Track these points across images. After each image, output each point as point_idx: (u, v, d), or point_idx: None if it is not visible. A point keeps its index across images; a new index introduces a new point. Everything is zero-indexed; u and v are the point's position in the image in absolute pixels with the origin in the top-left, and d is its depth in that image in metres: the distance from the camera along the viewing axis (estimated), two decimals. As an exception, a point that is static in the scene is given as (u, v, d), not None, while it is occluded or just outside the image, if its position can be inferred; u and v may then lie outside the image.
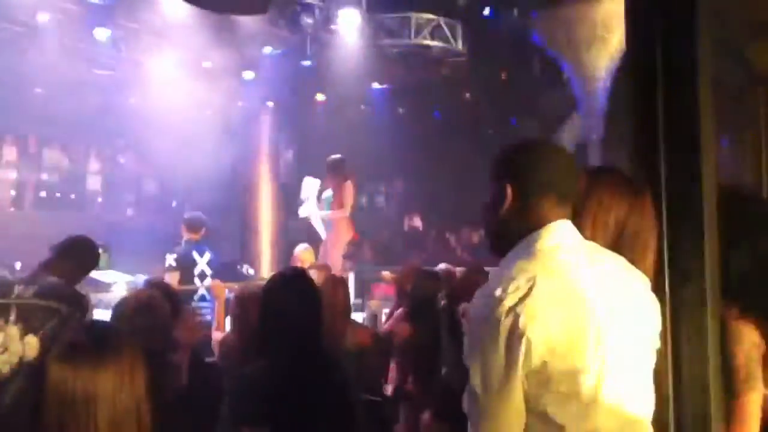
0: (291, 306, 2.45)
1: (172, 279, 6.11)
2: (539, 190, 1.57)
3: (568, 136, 11.30)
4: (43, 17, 9.25)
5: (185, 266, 6.30)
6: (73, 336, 1.76)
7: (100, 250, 6.87)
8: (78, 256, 3.37)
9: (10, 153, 12.29)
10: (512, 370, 1.39)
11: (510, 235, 1.58)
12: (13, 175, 12.87)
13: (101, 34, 9.93)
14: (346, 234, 8.08)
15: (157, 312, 2.91)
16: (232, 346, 3.64)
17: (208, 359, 3.71)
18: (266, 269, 10.89)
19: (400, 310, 4.76)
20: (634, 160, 1.87)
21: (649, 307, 1.57)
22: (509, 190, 1.58)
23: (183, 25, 9.27)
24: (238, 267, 8.34)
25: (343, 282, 4.23)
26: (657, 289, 1.63)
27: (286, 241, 10.69)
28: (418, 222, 12.52)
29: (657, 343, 1.57)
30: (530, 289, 1.41)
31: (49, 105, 10.62)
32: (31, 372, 2.80)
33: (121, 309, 2.96)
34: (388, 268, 8.29)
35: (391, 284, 5.66)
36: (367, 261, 9.90)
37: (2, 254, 6.14)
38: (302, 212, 8.16)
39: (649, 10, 1.87)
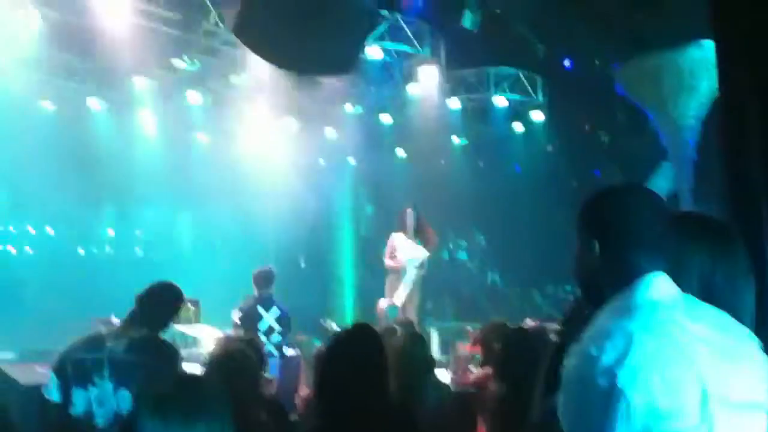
0: (348, 365, 2.36)
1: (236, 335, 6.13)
2: (627, 242, 1.50)
3: (656, 187, 10.93)
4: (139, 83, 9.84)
5: (250, 321, 6.31)
6: (163, 389, 1.76)
7: (189, 305, 7.11)
8: (161, 302, 3.39)
9: (110, 212, 12.95)
10: None
11: (602, 288, 1.51)
12: (110, 231, 13.56)
13: (192, 97, 10.47)
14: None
15: (248, 366, 2.93)
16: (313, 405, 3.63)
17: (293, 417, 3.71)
18: (350, 323, 10.92)
19: (486, 369, 4.64)
20: (730, 211, 1.78)
21: (758, 365, 1.45)
22: (596, 244, 1.52)
23: (267, 86, 9.64)
24: (321, 321, 8.37)
25: (422, 338, 4.17)
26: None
27: (367, 295, 10.70)
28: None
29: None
30: (628, 347, 1.33)
31: (142, 165, 11.20)
32: (124, 426, 2.85)
33: (212, 363, 2.99)
34: (471, 324, 8.17)
35: (476, 343, 5.52)
36: (448, 317, 9.79)
37: (99, 309, 6.39)
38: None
39: (740, 57, 1.79)
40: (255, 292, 6.52)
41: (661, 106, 9.04)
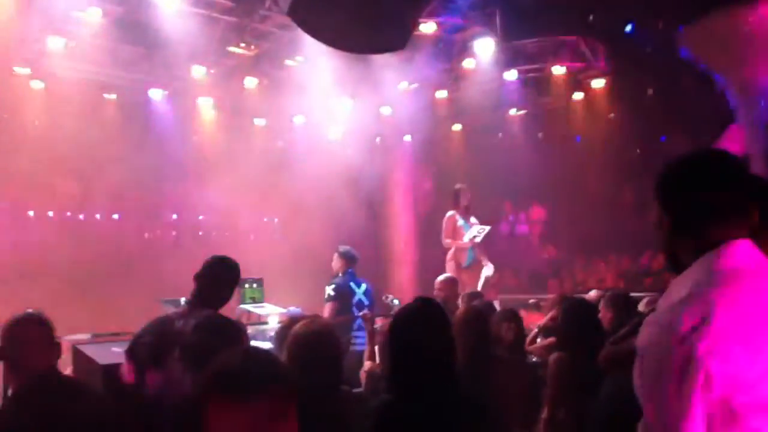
0: (417, 336, 2.34)
1: (329, 309, 6.32)
2: (705, 211, 1.45)
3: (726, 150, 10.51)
4: (198, 71, 10.01)
5: (344, 297, 6.50)
6: (230, 364, 1.67)
7: (255, 285, 7.26)
8: (219, 276, 3.41)
9: (173, 197, 13.31)
10: (691, 405, 1.26)
11: (681, 256, 1.46)
12: (174, 216, 13.95)
13: (249, 82, 10.61)
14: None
15: (333, 342, 2.95)
16: (379, 377, 3.66)
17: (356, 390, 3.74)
18: (409, 298, 10.95)
19: (551, 339, 4.60)
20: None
21: None
22: (671, 213, 1.47)
23: (324, 68, 9.67)
24: (383, 297, 8.42)
25: (479, 311, 4.13)
26: None
27: (427, 270, 10.70)
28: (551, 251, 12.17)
29: None
30: (708, 315, 1.29)
31: (203, 150, 11.43)
32: (192, 404, 2.89)
33: (293, 338, 2.96)
34: (534, 297, 8.09)
35: (542, 312, 5.47)
36: (510, 289, 9.70)
37: (167, 292, 6.57)
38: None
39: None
40: (343, 268, 6.68)
41: (729, 68, 8.67)
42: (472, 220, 8.38)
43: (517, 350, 4.35)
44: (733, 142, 9.44)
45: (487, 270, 8.22)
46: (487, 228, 8.27)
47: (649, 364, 1.34)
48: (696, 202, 1.47)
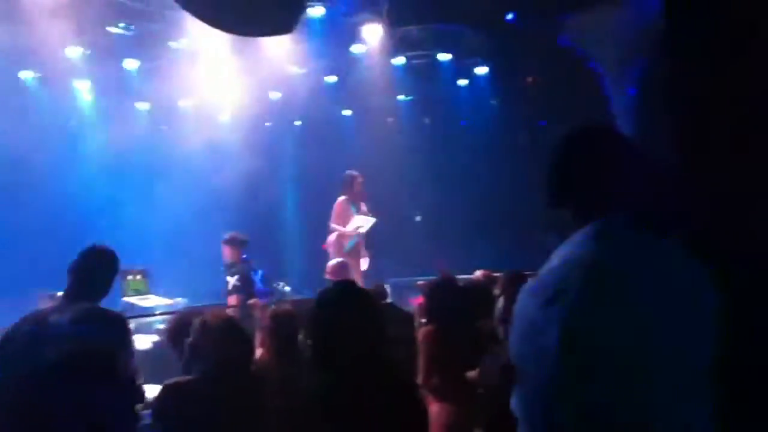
0: (351, 320, 2.37)
1: (236, 300, 6.24)
2: (594, 183, 1.53)
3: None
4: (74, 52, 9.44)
5: (248, 286, 6.44)
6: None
7: (138, 276, 7.00)
8: (94, 267, 3.27)
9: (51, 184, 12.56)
10: (563, 364, 1.35)
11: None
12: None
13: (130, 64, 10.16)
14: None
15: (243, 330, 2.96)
16: (265, 363, 3.66)
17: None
18: (299, 284, 10.89)
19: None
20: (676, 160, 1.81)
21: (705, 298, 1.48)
22: (561, 182, 1.56)
23: (211, 48, 9.41)
24: (274, 284, 8.36)
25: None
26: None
27: (315, 257, 10.71)
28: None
29: None
30: (569, 280, 1.38)
31: (82, 135, 10.85)
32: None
33: (205, 331, 2.94)
34: (422, 278, 8.28)
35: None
36: (401, 272, 9.88)
37: (43, 283, 6.21)
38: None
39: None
40: (234, 257, 6.57)
41: (604, 57, 9.17)
42: (363, 207, 8.49)
43: None
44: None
45: (364, 263, 8.41)
46: (373, 220, 8.43)
47: (522, 328, 1.41)
48: (579, 177, 1.54)
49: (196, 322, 3.05)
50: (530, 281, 1.47)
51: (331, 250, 8.32)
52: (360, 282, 7.84)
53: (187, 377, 2.97)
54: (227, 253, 6.73)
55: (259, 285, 6.65)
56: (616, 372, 1.32)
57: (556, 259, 1.47)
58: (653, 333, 1.35)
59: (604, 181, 1.53)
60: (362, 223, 8.40)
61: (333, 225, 8.37)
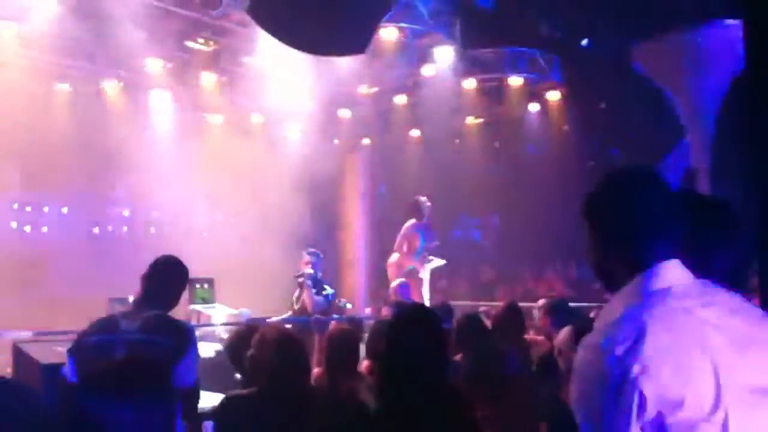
0: (419, 342, 2.38)
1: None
2: (634, 232, 1.47)
3: (674, 164, 10.83)
4: (154, 64, 9.83)
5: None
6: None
7: (205, 285, 7.18)
8: (166, 278, 3.36)
9: (124, 192, 13.07)
10: (625, 426, 1.29)
11: (614, 278, 1.49)
12: (126, 212, 13.67)
13: (206, 78, 10.48)
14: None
15: (299, 349, 2.98)
16: (320, 383, 3.67)
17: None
18: (362, 303, 10.96)
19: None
20: (749, 190, 1.74)
21: None
22: (600, 233, 1.50)
23: (283, 67, 9.61)
24: (336, 301, 8.42)
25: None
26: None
27: (380, 276, 10.73)
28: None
29: None
30: (639, 337, 1.32)
31: (156, 146, 11.24)
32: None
33: (262, 345, 2.98)
34: (484, 304, 8.19)
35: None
36: (462, 297, 9.80)
37: (118, 290, 6.43)
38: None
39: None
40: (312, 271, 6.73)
41: (680, 84, 8.94)
42: (434, 240, 8.60)
43: None
44: (682, 157, 9.73)
45: (423, 285, 8.44)
46: (443, 262, 8.54)
47: (585, 386, 1.37)
48: (626, 223, 1.48)
49: (256, 335, 3.09)
50: (590, 336, 1.41)
51: (390, 270, 8.35)
52: (437, 299, 7.86)
53: (247, 390, 3.01)
54: (309, 265, 6.90)
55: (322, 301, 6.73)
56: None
57: (612, 312, 1.43)
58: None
59: (649, 230, 1.47)
60: (432, 265, 8.54)
61: (401, 249, 8.43)
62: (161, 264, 3.36)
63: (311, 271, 6.76)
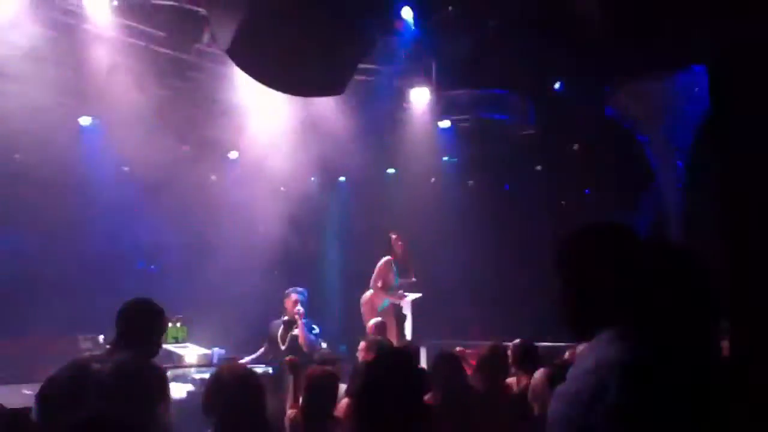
0: (400, 384, 2.41)
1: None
2: (608, 282, 1.49)
3: (645, 207, 11.02)
4: (132, 99, 9.78)
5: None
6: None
7: (178, 324, 7.09)
8: (145, 320, 3.30)
9: (98, 227, 12.87)
10: None
11: (586, 326, 1.51)
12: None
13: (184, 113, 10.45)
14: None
15: (256, 388, 2.94)
16: (294, 425, 3.63)
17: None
18: (336, 340, 10.83)
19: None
20: (725, 238, 1.78)
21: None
22: (573, 285, 1.52)
23: (258, 102, 9.68)
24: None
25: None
26: None
27: (357, 314, 10.67)
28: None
29: None
30: (610, 382, 1.33)
31: (134, 183, 11.16)
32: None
33: (217, 384, 2.96)
34: (462, 343, 8.17)
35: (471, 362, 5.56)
36: (439, 334, 9.77)
37: (87, 328, 6.33)
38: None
39: (734, 80, 1.81)
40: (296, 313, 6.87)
41: (651, 129, 9.15)
42: (411, 274, 8.66)
43: None
44: (653, 201, 9.90)
45: (407, 308, 8.46)
46: (418, 295, 8.59)
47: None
48: (602, 275, 1.51)
49: (211, 376, 3.07)
50: (561, 386, 1.43)
51: (365, 307, 8.36)
52: (395, 341, 7.81)
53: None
54: (292, 308, 6.89)
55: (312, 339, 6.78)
56: None
57: (584, 362, 1.44)
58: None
59: (620, 286, 1.50)
60: (408, 296, 8.56)
61: (376, 284, 8.45)
62: (131, 307, 3.30)
63: (302, 310, 6.77)
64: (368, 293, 8.47)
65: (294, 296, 6.93)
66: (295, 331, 6.69)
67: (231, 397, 2.89)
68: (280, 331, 6.85)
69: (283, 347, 6.72)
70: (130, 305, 3.29)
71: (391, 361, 2.52)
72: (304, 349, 6.51)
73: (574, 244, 1.59)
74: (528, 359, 4.59)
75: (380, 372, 2.47)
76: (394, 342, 7.82)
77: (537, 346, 5.08)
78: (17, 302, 10.26)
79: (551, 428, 1.41)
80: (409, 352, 2.67)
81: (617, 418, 1.31)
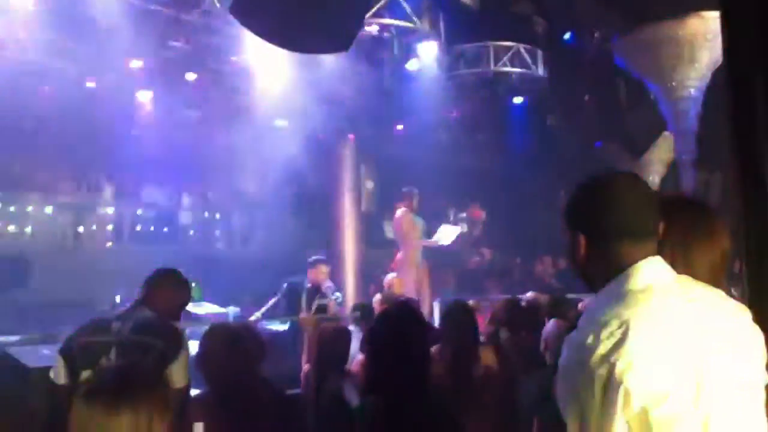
0: (402, 342, 2.43)
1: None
2: (616, 234, 1.51)
3: (657, 157, 10.93)
4: (136, 63, 9.75)
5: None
6: (99, 377, 1.76)
7: (192, 283, 7.18)
8: (170, 288, 3.37)
9: (109, 191, 12.99)
10: (612, 421, 1.33)
11: (596, 278, 1.53)
12: (110, 210, 13.60)
13: (189, 76, 10.42)
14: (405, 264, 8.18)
15: (245, 348, 2.97)
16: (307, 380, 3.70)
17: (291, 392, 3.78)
18: (351, 297, 10.95)
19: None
20: (734, 181, 1.77)
21: (753, 340, 1.48)
22: (582, 239, 1.53)
23: (266, 63, 9.60)
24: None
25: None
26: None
27: (368, 270, 10.76)
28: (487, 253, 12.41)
29: (765, 377, 1.47)
30: (624, 334, 1.35)
31: (143, 144, 11.19)
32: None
33: (207, 342, 3.02)
34: (472, 298, 8.23)
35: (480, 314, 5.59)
36: (449, 289, 9.83)
37: (104, 288, 6.42)
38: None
39: (747, 28, 1.77)
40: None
41: (661, 77, 9.02)
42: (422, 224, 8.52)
43: None
44: (665, 149, 9.82)
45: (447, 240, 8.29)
46: (459, 229, 8.37)
47: (570, 384, 1.40)
48: (607, 225, 1.52)
49: (205, 332, 3.13)
50: (575, 334, 1.45)
51: (403, 264, 8.13)
52: (429, 295, 7.81)
53: (203, 391, 3.02)
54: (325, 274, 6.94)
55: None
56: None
57: (596, 310, 1.46)
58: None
59: (629, 230, 1.51)
60: (447, 232, 8.37)
61: (406, 238, 8.23)
62: (166, 274, 3.39)
63: (331, 285, 6.86)
64: (401, 253, 8.29)
65: (323, 267, 6.96)
66: (323, 300, 6.73)
67: (218, 361, 2.95)
68: (304, 297, 6.89)
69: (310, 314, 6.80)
70: (157, 273, 3.37)
71: (395, 313, 2.55)
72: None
73: (581, 193, 1.60)
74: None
75: (384, 323, 2.50)
76: (427, 296, 7.82)
77: (550, 299, 5.08)
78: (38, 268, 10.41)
79: (562, 376, 1.44)
80: (412, 306, 2.69)
81: (626, 369, 1.34)
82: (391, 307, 2.63)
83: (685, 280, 1.52)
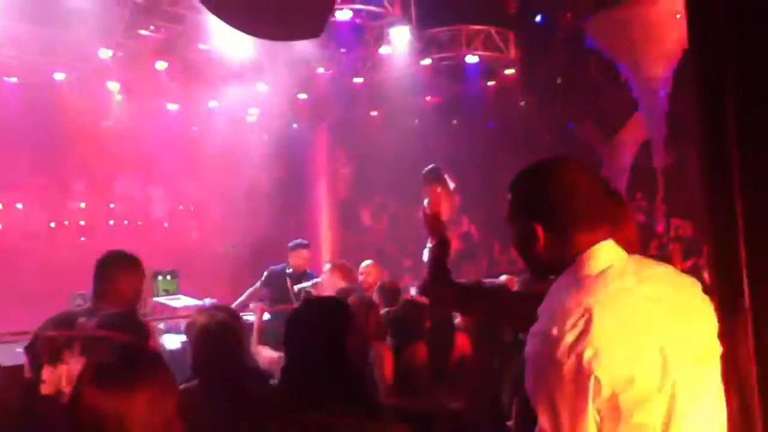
0: (307, 332, 2.31)
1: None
2: (571, 220, 1.50)
3: (629, 137, 11.03)
4: (105, 53, 9.59)
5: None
6: (105, 359, 1.76)
7: (169, 276, 7.10)
8: (120, 272, 3.27)
9: (81, 185, 12.80)
10: (583, 410, 1.33)
11: (554, 266, 1.52)
12: (83, 205, 13.39)
13: (160, 65, 10.28)
14: None
15: (231, 333, 2.95)
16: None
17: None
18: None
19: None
20: (704, 160, 1.78)
21: (706, 311, 1.50)
22: (538, 228, 1.52)
23: (238, 52, 9.50)
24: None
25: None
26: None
27: (345, 255, 10.75)
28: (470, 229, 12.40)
29: (719, 347, 1.49)
30: (587, 323, 1.35)
31: (116, 138, 11.03)
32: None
33: (193, 330, 2.99)
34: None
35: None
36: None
37: (75, 283, 6.31)
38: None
39: (712, 6, 1.77)
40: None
41: (632, 58, 9.09)
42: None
43: None
44: (637, 129, 9.91)
45: None
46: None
47: (539, 376, 1.40)
48: (562, 212, 1.51)
49: (188, 322, 3.10)
50: (539, 324, 1.44)
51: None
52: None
53: (189, 383, 2.99)
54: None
55: None
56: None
57: (556, 299, 1.46)
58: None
59: (581, 215, 1.50)
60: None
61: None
62: (107, 260, 3.31)
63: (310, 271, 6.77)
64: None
65: (304, 252, 6.86)
66: (305, 284, 6.62)
67: (198, 351, 2.93)
68: (287, 283, 6.80)
69: (295, 303, 6.71)
70: (105, 258, 3.29)
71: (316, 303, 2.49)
72: None
73: (529, 181, 1.59)
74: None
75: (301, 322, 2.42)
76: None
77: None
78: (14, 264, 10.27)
79: (530, 366, 1.43)
80: (339, 301, 2.60)
81: (593, 357, 1.35)
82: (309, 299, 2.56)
83: (637, 259, 1.53)
